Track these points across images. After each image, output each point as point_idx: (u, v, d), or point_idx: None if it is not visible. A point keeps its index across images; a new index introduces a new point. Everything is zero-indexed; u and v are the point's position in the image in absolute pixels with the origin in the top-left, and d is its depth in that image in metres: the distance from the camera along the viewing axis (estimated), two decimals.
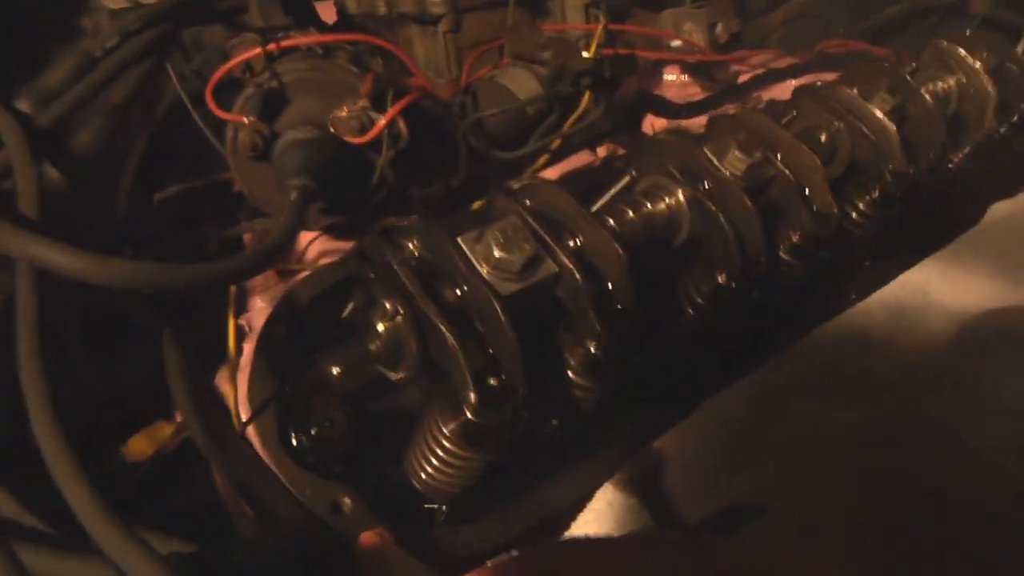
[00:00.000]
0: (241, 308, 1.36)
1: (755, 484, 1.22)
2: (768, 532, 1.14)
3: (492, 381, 1.03)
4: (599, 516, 1.19)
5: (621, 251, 1.11)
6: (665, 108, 1.68)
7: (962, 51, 1.68)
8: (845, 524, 1.13)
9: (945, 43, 1.71)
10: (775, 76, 1.94)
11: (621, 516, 1.19)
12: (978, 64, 1.66)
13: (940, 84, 1.68)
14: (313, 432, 1.11)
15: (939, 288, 1.56)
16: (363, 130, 1.20)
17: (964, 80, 1.68)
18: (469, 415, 1.01)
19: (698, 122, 1.55)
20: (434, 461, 1.11)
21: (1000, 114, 1.69)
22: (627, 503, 1.20)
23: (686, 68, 2.02)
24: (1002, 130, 1.72)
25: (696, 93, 1.97)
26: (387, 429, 1.23)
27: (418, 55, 1.82)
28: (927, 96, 1.58)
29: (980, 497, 1.14)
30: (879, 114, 1.49)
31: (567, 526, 1.19)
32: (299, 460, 1.11)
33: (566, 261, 1.08)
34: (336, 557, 1.06)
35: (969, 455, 1.18)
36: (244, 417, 1.12)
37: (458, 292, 1.07)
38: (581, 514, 1.20)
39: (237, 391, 1.11)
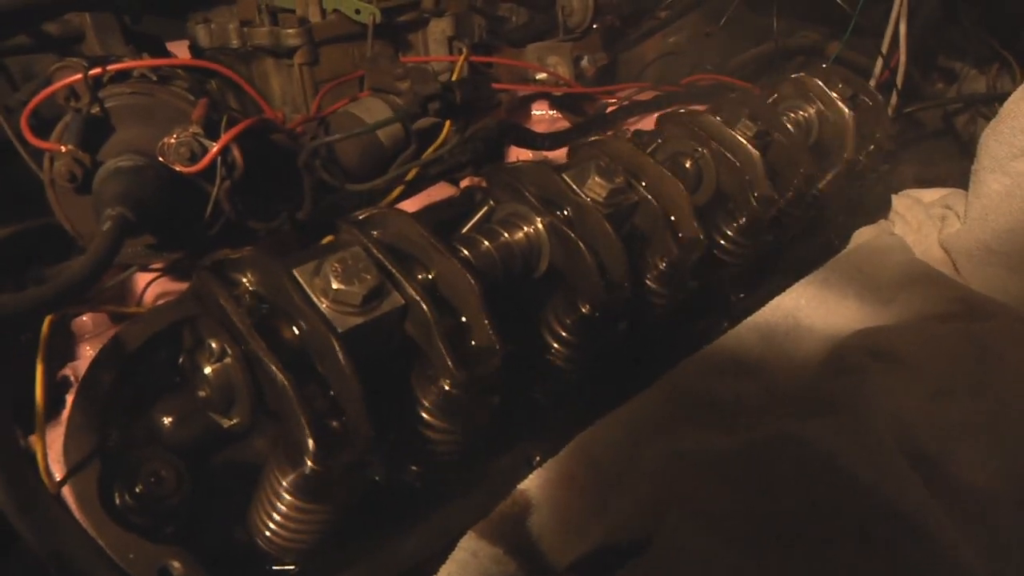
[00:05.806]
0: (69, 356, 1.24)
1: (631, 516, 1.16)
2: (646, 564, 1.08)
3: (334, 424, 0.95)
4: (463, 568, 1.11)
5: (475, 281, 1.05)
6: (527, 138, 1.64)
7: (819, 82, 1.70)
8: (722, 549, 1.08)
9: (803, 75, 1.73)
10: (642, 107, 1.94)
11: (487, 567, 1.11)
12: (835, 94, 1.69)
13: (801, 113, 1.70)
14: (138, 490, 1.00)
15: (809, 312, 1.56)
16: (194, 158, 1.11)
17: (823, 109, 1.70)
18: (309, 463, 0.92)
19: (563, 154, 1.51)
20: (276, 517, 1.00)
21: (857, 142, 1.71)
22: (492, 553, 1.12)
23: (555, 103, 1.99)
24: (861, 157, 1.74)
25: (565, 128, 1.94)
26: (232, 484, 1.12)
27: (274, 89, 1.74)
28: (788, 124, 1.59)
29: (856, 517, 1.11)
30: (743, 140, 1.48)
31: None
32: (125, 522, 1.00)
33: (413, 293, 1.01)
34: None
35: (843, 475, 1.15)
36: (60, 476, 1.00)
37: (295, 330, 0.98)
38: (444, 566, 1.11)
39: (45, 447, 0.99)
